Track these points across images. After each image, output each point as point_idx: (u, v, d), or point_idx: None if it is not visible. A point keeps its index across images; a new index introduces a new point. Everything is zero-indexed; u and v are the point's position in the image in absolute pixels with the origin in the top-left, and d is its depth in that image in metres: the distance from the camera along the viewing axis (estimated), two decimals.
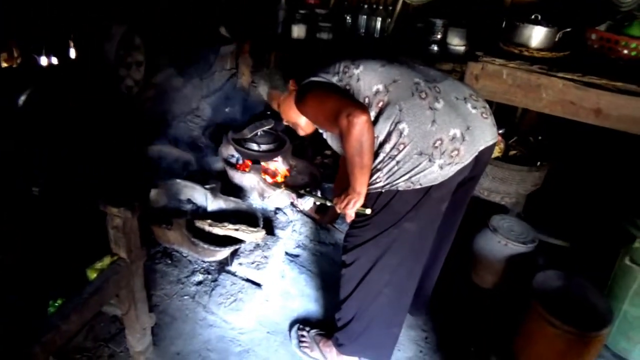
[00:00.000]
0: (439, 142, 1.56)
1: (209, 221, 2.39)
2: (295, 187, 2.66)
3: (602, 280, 2.39)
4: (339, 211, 1.78)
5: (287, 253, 2.62)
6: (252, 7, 3.46)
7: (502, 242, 2.52)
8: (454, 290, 2.58)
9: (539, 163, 2.78)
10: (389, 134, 1.58)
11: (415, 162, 1.56)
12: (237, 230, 2.33)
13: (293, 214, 2.80)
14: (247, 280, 2.31)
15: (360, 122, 1.47)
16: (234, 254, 2.38)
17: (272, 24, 3.36)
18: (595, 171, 3.07)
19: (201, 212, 2.60)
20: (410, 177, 1.58)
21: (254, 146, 2.77)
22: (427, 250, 1.83)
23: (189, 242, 2.29)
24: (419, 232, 1.72)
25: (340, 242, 2.82)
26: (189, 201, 2.62)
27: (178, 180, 2.59)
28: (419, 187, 1.60)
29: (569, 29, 2.30)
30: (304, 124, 1.90)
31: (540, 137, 2.94)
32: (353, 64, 1.68)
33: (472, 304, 2.55)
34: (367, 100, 1.63)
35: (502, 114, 2.95)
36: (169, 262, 2.34)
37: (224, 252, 2.31)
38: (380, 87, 1.62)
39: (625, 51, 2.31)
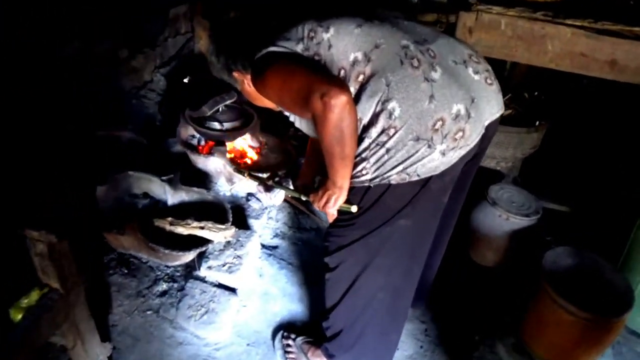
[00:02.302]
0: (439, 122, 1.24)
1: (169, 219, 2.05)
2: (264, 174, 2.30)
3: (611, 250, 2.18)
4: (316, 208, 1.47)
5: (263, 245, 2.31)
6: None
7: (502, 217, 2.26)
8: (451, 271, 2.33)
9: (537, 122, 2.49)
10: (375, 116, 1.26)
11: (411, 149, 1.25)
12: (202, 228, 2.00)
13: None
14: (219, 285, 2.01)
15: (339, 104, 1.15)
16: (202, 255, 2.06)
17: None
18: (596, 129, 2.80)
19: (160, 207, 2.26)
20: (405, 168, 1.27)
21: (216, 125, 2.40)
22: (427, 248, 1.55)
23: (147, 247, 1.96)
24: (416, 229, 1.42)
25: (324, 226, 2.53)
26: (146, 195, 2.27)
27: (130, 172, 2.23)
28: (416, 178, 1.29)
29: None
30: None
31: (536, 93, 2.64)
32: (321, 27, 1.33)
33: (473, 286, 2.31)
34: (343, 72, 1.29)
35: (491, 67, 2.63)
36: (126, 271, 2.01)
37: (188, 256, 2.00)
38: (359, 55, 1.28)
39: None
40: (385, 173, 1.30)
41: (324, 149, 1.26)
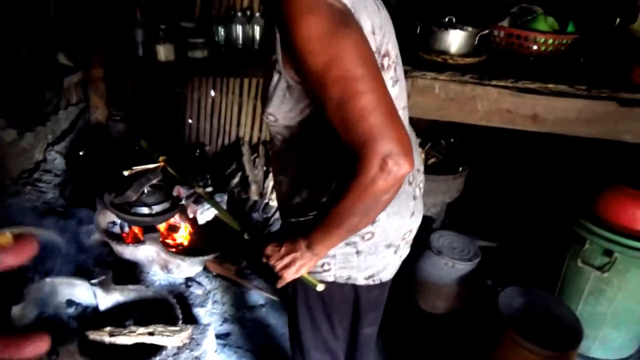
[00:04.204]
0: (409, 233, 1.23)
1: (108, 329, 1.77)
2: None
3: (540, 280, 2.38)
4: (265, 261, 1.17)
5: (215, 335, 2.10)
6: (98, 26, 2.74)
7: (449, 264, 2.33)
8: (405, 323, 2.34)
9: (460, 168, 2.66)
10: None
11: (380, 254, 1.19)
12: (152, 334, 1.76)
13: (209, 282, 2.28)
14: None
15: (398, 176, 0.88)
16: None
17: (129, 46, 2.70)
18: (510, 171, 3.05)
19: (90, 314, 1.95)
20: (372, 275, 1.22)
21: (145, 210, 2.16)
22: None
23: None
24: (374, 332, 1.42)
25: (271, 301, 2.39)
26: (70, 303, 1.95)
27: (47, 280, 1.90)
28: (378, 282, 1.26)
29: (486, 31, 2.15)
30: None
31: (452, 140, 2.82)
32: (388, 44, 1.02)
33: (429, 336, 2.34)
34: None
35: None
36: None
37: None
38: None
39: (535, 47, 2.25)
40: (351, 275, 1.21)
41: (338, 211, 0.97)
